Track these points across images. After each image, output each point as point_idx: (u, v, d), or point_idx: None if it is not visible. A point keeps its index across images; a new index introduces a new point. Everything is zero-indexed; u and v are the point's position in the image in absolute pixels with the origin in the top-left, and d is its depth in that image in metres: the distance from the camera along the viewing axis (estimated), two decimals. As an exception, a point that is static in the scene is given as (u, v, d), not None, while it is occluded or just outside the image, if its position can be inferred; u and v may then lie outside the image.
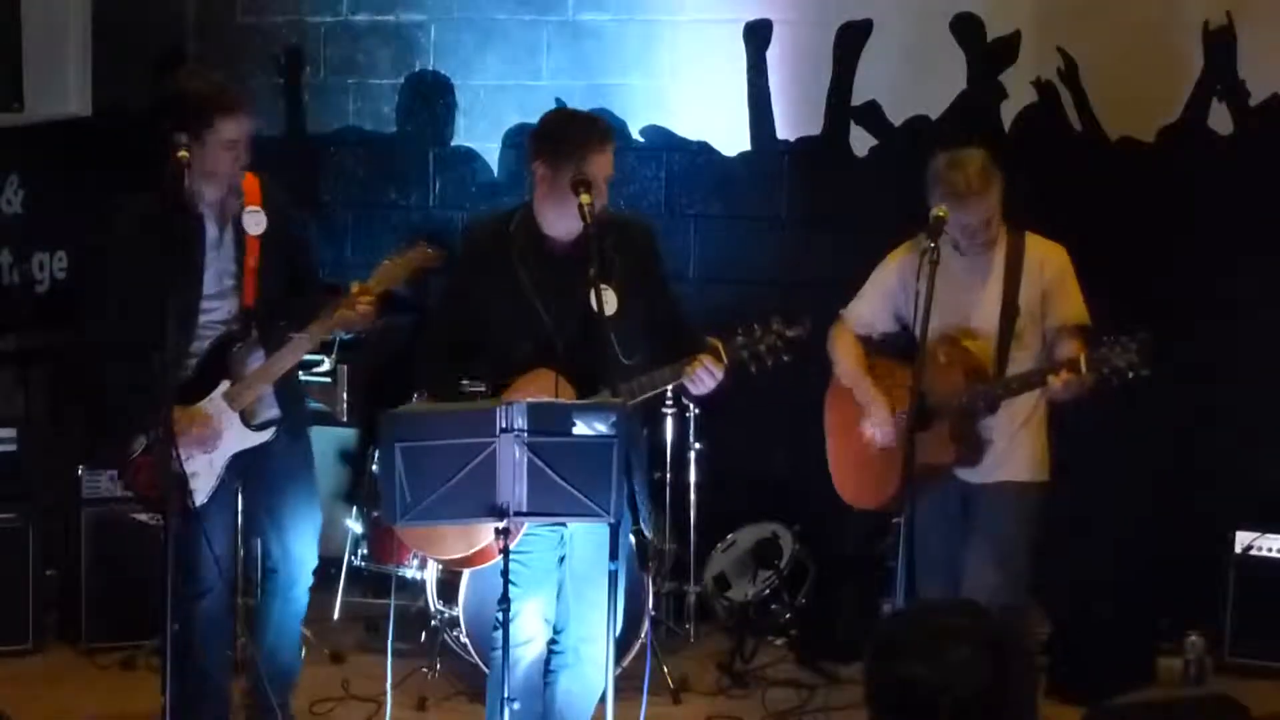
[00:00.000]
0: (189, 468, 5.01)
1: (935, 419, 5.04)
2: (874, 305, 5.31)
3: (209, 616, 5.24)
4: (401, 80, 7.76)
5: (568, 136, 4.76)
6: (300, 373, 5.58)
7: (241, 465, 5.21)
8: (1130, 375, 4.83)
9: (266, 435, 5.18)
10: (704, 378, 4.70)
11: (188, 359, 5.10)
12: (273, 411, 5.22)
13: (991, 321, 5.10)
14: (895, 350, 5.31)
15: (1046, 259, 5.16)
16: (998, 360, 5.10)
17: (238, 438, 5.16)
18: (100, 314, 5.28)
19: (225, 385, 5.13)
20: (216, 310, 5.16)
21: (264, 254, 5.16)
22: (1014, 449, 5.16)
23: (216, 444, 5.14)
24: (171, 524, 4.82)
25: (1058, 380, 4.91)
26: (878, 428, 5.21)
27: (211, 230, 5.15)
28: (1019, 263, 5.12)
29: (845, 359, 5.33)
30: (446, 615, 6.20)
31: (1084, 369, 4.86)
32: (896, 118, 7.09)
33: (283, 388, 5.25)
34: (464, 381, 5.08)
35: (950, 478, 5.14)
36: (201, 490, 5.12)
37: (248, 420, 5.16)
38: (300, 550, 5.34)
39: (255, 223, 5.15)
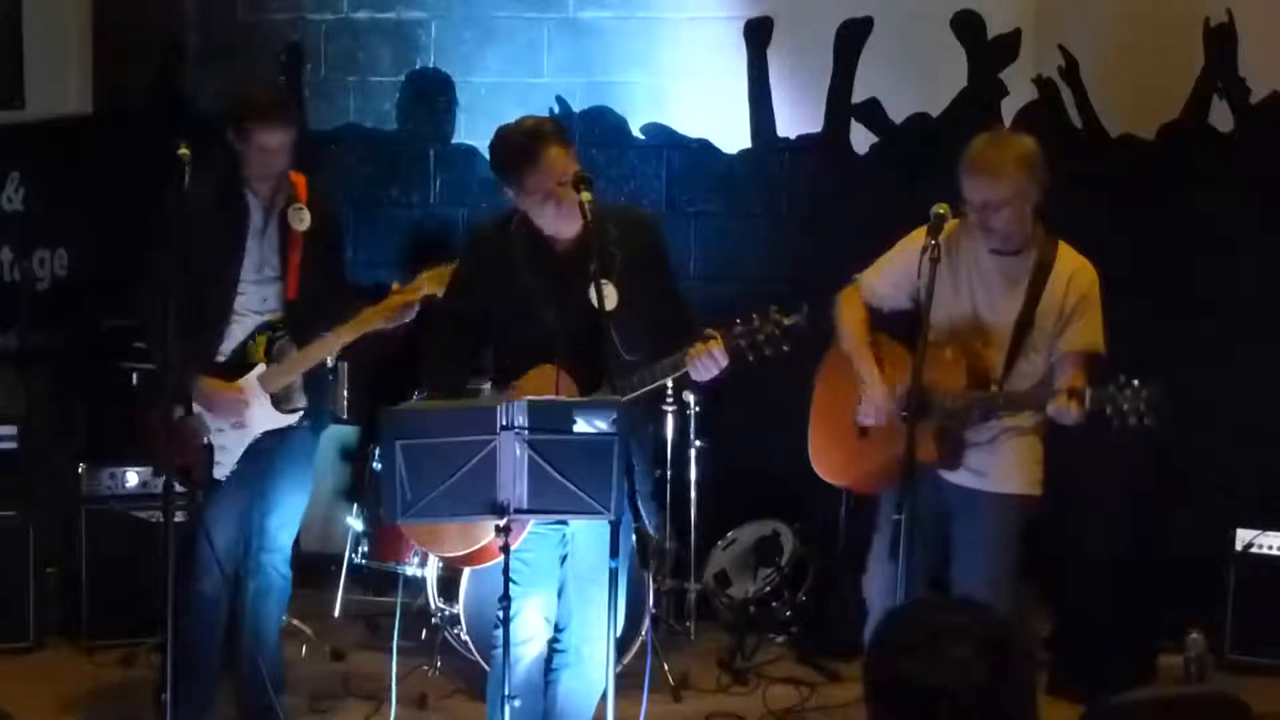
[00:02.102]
0: (218, 441, 5.35)
1: (927, 414, 4.92)
2: (892, 280, 5.13)
3: (207, 599, 5.37)
4: (402, 78, 7.76)
5: (504, 158, 4.78)
6: (330, 375, 5.85)
7: (264, 448, 5.39)
8: (1133, 422, 4.72)
9: (293, 419, 5.41)
10: (707, 363, 4.67)
11: (221, 341, 5.36)
12: (302, 401, 5.44)
13: (1006, 327, 4.99)
14: (902, 328, 5.17)
15: (1075, 278, 4.99)
16: (1005, 368, 4.99)
17: (267, 417, 5.38)
18: (144, 287, 5.44)
19: (261, 368, 5.35)
20: (251, 296, 5.38)
21: (306, 249, 5.39)
22: (1008, 459, 5.05)
23: (246, 420, 5.35)
24: (171, 508, 5.03)
25: (1056, 405, 4.79)
26: (874, 408, 5.09)
27: (257, 219, 5.39)
28: (1046, 274, 4.97)
29: (851, 331, 5.17)
30: (447, 613, 6.21)
31: (1087, 403, 4.73)
32: (897, 115, 7.09)
33: (313, 381, 5.48)
34: (471, 381, 5.13)
35: (935, 477, 5.02)
36: (226, 465, 5.37)
37: (278, 404, 5.38)
38: (275, 530, 5.49)
39: (300, 219, 5.38)
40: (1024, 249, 5.01)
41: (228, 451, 5.36)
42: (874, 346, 5.18)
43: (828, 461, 5.34)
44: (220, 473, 5.36)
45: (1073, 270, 5.01)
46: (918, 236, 4.97)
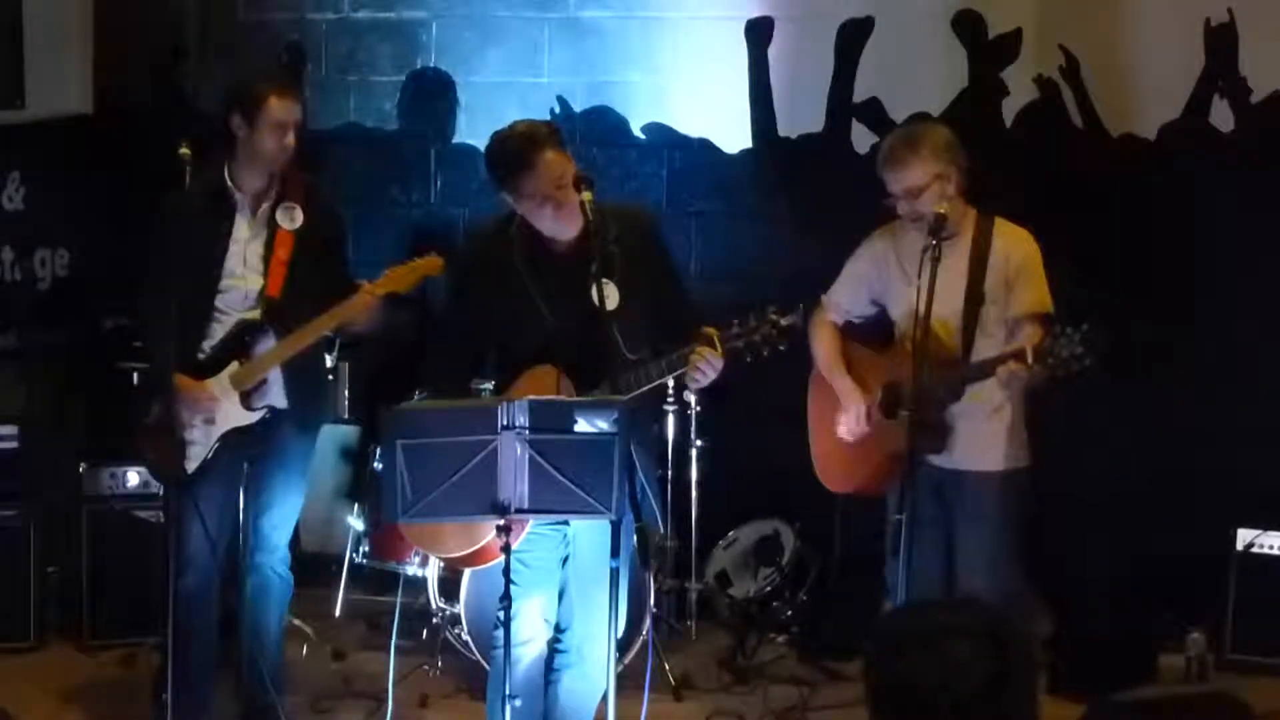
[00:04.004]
0: (188, 436, 5.33)
1: (902, 406, 5.05)
2: (850, 290, 5.34)
3: (189, 591, 5.31)
4: (403, 77, 7.76)
5: (501, 165, 4.78)
6: (330, 377, 5.78)
7: (238, 445, 5.37)
8: (1076, 368, 4.76)
9: (258, 416, 5.38)
10: (704, 369, 4.69)
11: (203, 339, 5.35)
12: (276, 399, 5.40)
13: (956, 308, 5.08)
14: (874, 334, 5.34)
15: (1013, 246, 5.12)
16: (963, 347, 5.09)
17: (233, 415, 5.36)
18: (142, 289, 5.47)
19: (235, 366, 5.35)
20: (233, 293, 5.37)
21: (295, 249, 5.37)
22: (989, 438, 5.12)
23: (214, 417, 5.34)
24: (171, 508, 5.16)
25: (1005, 370, 4.87)
26: (850, 421, 5.25)
27: (242, 217, 5.38)
28: (985, 250, 5.10)
29: (821, 350, 5.36)
30: (448, 612, 6.21)
31: (1030, 360, 4.81)
32: (898, 115, 7.08)
33: (298, 381, 5.44)
34: (473, 381, 5.13)
35: (927, 466, 5.10)
36: (194, 459, 5.35)
37: (246, 401, 5.36)
38: (269, 530, 5.48)
39: (290, 218, 5.37)
40: (958, 233, 5.11)
41: (195, 446, 5.36)
42: (851, 360, 5.34)
43: (831, 474, 5.47)
44: (190, 467, 5.35)
45: (1009, 240, 5.14)
46: (865, 245, 5.29)
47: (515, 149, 4.74)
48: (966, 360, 5.07)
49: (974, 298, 5.07)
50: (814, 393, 5.49)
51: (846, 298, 5.35)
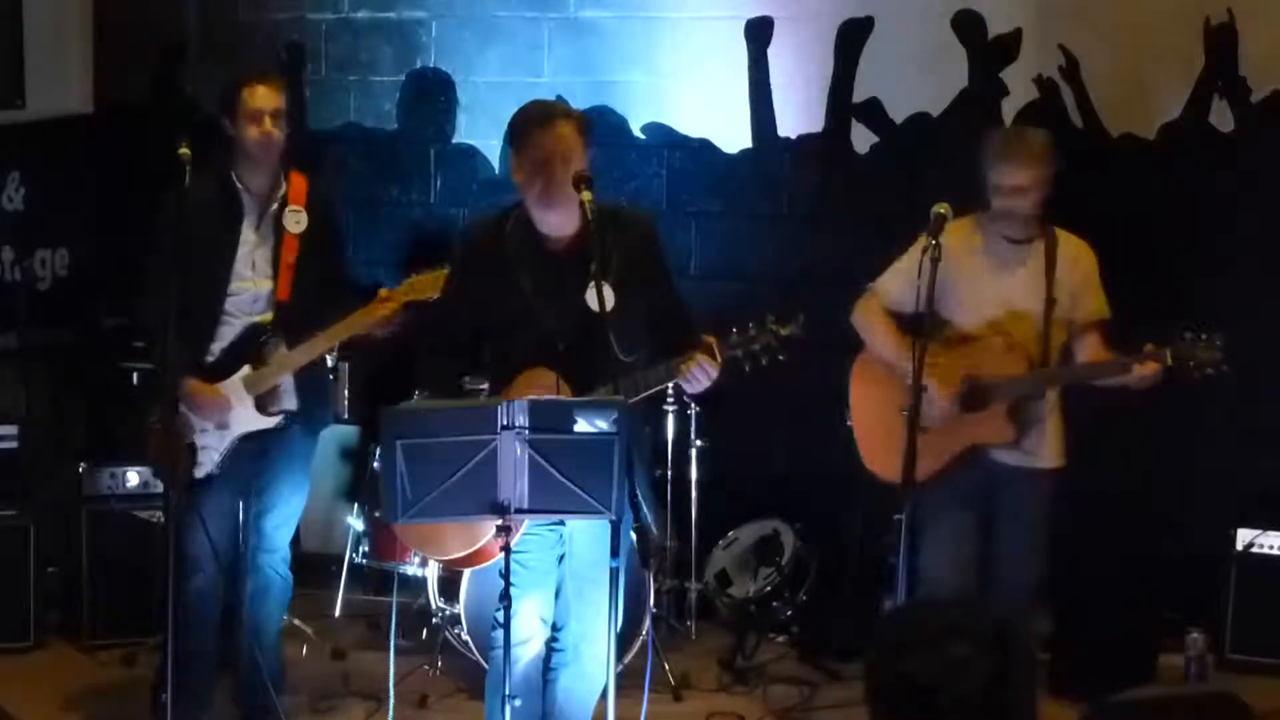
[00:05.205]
0: (200, 440, 5.34)
1: (993, 400, 5.22)
2: (904, 285, 5.26)
3: (197, 596, 5.33)
4: (403, 77, 7.77)
5: (520, 121, 4.79)
6: (330, 376, 5.88)
7: (249, 449, 5.38)
8: (1211, 372, 5.07)
9: (274, 421, 5.39)
10: (698, 376, 4.68)
11: (210, 341, 5.35)
12: (289, 403, 5.41)
13: (1035, 311, 5.26)
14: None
15: (1078, 256, 5.33)
16: (1042, 347, 5.26)
17: (248, 419, 5.36)
18: (142, 289, 5.46)
19: (246, 369, 5.35)
20: (242, 296, 5.37)
21: (302, 251, 5.38)
22: (1045, 437, 5.33)
23: (227, 421, 5.34)
24: (173, 497, 5.13)
25: (1143, 370, 5.10)
26: (933, 405, 5.25)
27: (250, 220, 5.38)
28: (1054, 257, 5.28)
29: (882, 333, 5.38)
30: (448, 613, 6.21)
31: (1169, 360, 5.06)
32: (898, 115, 7.09)
33: (307, 383, 5.46)
34: (465, 379, 5.12)
35: (984, 459, 5.28)
36: (206, 463, 5.35)
37: (262, 406, 5.35)
38: (271, 530, 5.49)
39: (296, 221, 5.38)
40: (1032, 236, 5.32)
41: (208, 451, 5.36)
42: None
43: (887, 462, 5.39)
44: (200, 472, 5.35)
45: (1075, 249, 5.37)
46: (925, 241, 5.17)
47: (539, 109, 4.81)
48: (1045, 362, 5.24)
49: (1050, 299, 5.26)
50: (860, 379, 5.52)
51: (899, 291, 5.32)
